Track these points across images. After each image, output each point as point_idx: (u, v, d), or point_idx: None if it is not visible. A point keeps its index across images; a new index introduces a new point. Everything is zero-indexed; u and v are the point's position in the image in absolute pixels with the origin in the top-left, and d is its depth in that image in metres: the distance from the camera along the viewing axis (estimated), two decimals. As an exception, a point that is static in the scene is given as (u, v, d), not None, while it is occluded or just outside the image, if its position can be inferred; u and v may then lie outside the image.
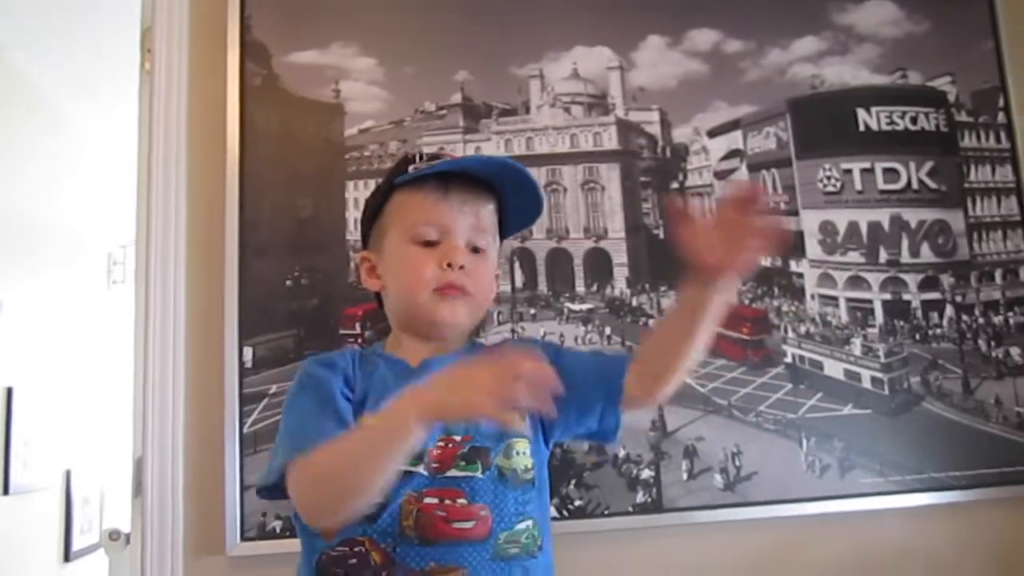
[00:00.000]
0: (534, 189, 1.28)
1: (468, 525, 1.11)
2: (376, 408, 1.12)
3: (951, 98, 2.19)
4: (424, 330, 1.24)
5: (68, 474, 3.35)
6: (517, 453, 1.18)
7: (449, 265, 1.19)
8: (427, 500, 1.11)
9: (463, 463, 1.14)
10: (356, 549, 1.10)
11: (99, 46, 2.77)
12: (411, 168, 1.23)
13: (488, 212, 1.26)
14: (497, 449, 1.16)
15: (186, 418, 1.77)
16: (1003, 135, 2.20)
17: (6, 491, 2.81)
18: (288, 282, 1.86)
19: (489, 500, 1.13)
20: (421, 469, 1.12)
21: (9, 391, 2.86)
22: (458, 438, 1.15)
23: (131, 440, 1.79)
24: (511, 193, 1.27)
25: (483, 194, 1.25)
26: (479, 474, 1.14)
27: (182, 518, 1.72)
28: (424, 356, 1.24)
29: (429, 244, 1.21)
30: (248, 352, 1.79)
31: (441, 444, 1.14)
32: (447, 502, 1.11)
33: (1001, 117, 2.20)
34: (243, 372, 1.79)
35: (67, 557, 3.31)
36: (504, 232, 1.32)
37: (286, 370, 1.79)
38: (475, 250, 1.23)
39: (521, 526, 1.16)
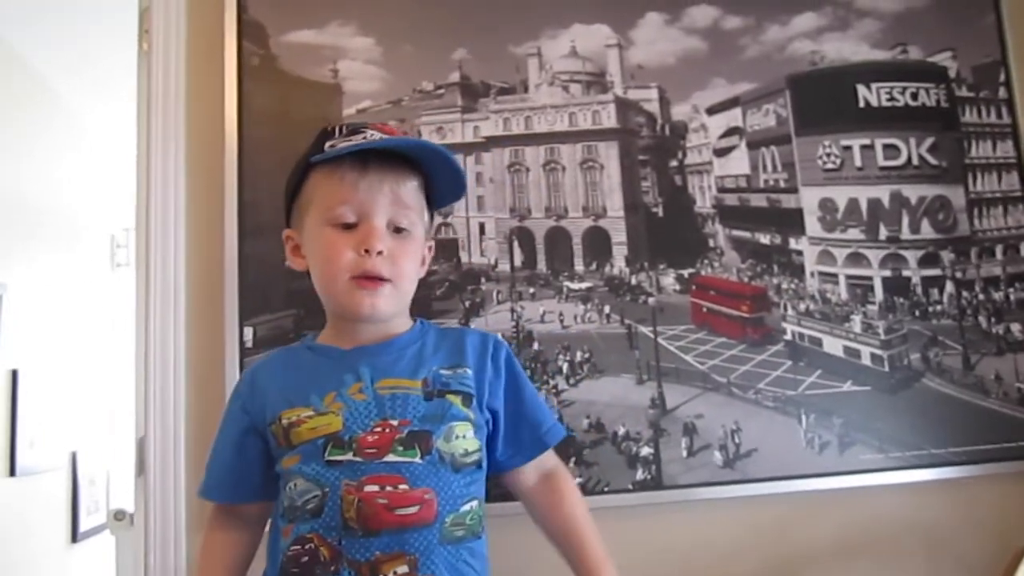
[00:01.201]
0: (454, 168, 1.24)
1: (412, 511, 1.10)
2: (304, 402, 1.16)
3: (952, 73, 2.18)
4: (348, 317, 1.22)
5: (74, 456, 3.38)
6: (457, 437, 1.16)
7: (367, 251, 1.16)
8: (368, 488, 1.09)
9: (401, 448, 1.12)
10: (307, 547, 1.10)
11: (99, 29, 2.77)
12: (327, 145, 1.20)
13: (410, 189, 1.21)
14: (438, 433, 1.15)
15: (187, 398, 1.78)
16: (1004, 110, 2.18)
17: (12, 473, 2.84)
18: (287, 263, 1.85)
19: (433, 483, 1.12)
20: (351, 456, 1.11)
21: (14, 373, 2.88)
22: (395, 422, 1.14)
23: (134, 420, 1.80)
24: (435, 169, 1.23)
25: (404, 170, 1.21)
26: (418, 459, 1.12)
27: (184, 497, 1.74)
28: (363, 339, 1.23)
29: (348, 226, 1.18)
30: (248, 332, 1.80)
31: (378, 429, 1.13)
32: (388, 488, 1.10)
33: (1002, 92, 2.19)
34: (243, 352, 1.79)
35: (74, 538, 3.34)
36: (432, 206, 1.28)
37: (286, 349, 1.80)
38: (398, 230, 1.20)
39: (466, 507, 1.15)
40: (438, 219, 1.93)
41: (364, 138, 1.19)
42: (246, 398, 1.24)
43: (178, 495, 1.74)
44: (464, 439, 1.17)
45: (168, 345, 1.79)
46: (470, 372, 1.23)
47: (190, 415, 1.78)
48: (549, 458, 1.33)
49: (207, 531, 1.28)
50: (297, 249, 1.27)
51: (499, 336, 1.34)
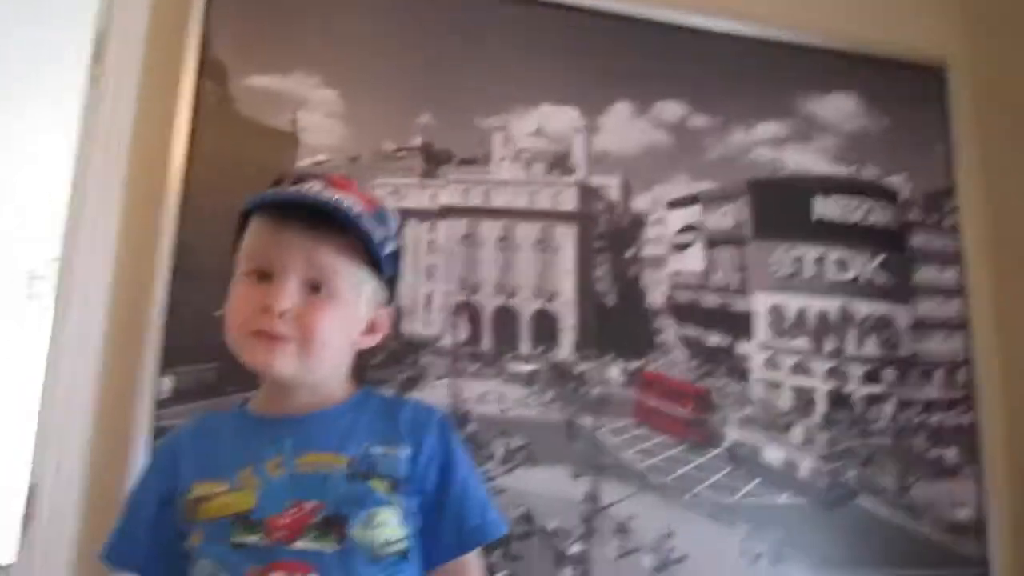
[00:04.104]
0: (367, 240, 1.10)
1: None
2: (218, 475, 1.06)
3: (904, 196, 2.22)
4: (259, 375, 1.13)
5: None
6: (379, 524, 1.05)
7: (268, 309, 1.06)
8: None
9: (314, 534, 1.02)
10: None
11: (37, 53, 2.68)
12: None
13: (333, 250, 1.09)
14: (356, 518, 1.04)
15: (90, 447, 1.64)
16: (951, 238, 2.23)
17: None
18: (218, 313, 1.74)
19: None
20: (256, 540, 1.01)
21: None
22: (310, 505, 1.03)
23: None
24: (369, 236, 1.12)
25: (331, 229, 1.09)
26: (331, 549, 1.02)
27: (75, 550, 1.58)
28: (292, 407, 1.13)
29: (264, 277, 1.08)
30: (168, 382, 1.68)
31: (292, 511, 1.03)
32: None
33: (950, 220, 2.23)
34: (159, 403, 1.66)
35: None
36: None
37: (206, 404, 1.68)
38: (316, 288, 1.08)
39: None
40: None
41: (299, 190, 1.11)
42: (167, 462, 1.14)
43: (68, 548, 1.59)
44: (387, 527, 1.06)
45: (76, 387, 1.66)
46: (406, 452, 1.12)
47: (90, 465, 1.64)
48: (469, 560, 1.18)
49: None
50: None
51: (443, 412, 1.24)
